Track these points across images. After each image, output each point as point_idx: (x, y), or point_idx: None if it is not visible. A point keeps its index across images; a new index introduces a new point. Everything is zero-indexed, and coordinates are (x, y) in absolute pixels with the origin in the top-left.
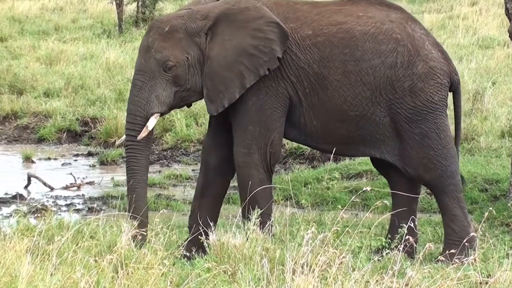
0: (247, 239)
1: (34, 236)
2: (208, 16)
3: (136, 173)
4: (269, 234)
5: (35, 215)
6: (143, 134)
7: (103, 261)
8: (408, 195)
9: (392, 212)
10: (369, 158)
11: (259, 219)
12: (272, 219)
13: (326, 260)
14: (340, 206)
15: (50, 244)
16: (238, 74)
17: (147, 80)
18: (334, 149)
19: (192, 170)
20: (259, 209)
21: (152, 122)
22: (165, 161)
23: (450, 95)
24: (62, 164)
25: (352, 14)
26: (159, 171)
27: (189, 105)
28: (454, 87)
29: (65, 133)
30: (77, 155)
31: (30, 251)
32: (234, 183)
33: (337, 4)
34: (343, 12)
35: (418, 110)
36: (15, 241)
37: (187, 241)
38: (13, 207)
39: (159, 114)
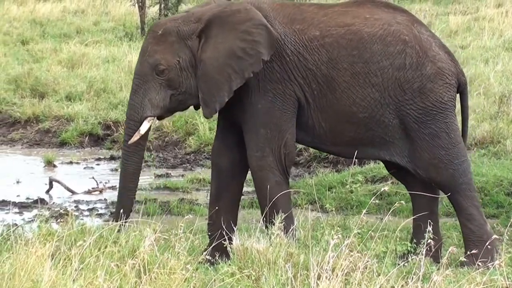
0: (271, 244)
1: (56, 241)
2: (201, 19)
3: (123, 180)
4: (293, 238)
5: (57, 220)
6: (135, 138)
7: (126, 266)
8: (427, 194)
9: (414, 216)
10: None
11: (282, 223)
12: (296, 222)
13: (351, 265)
14: (364, 210)
15: (72, 249)
16: (227, 77)
17: (141, 83)
18: (342, 151)
19: None
20: (281, 213)
21: (144, 126)
22: (188, 165)
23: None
24: (84, 168)
25: (359, 16)
26: (182, 175)
27: (196, 107)
28: (461, 88)
29: (87, 137)
30: (99, 159)
31: (52, 256)
32: None
33: (343, 6)
34: (350, 13)
35: (428, 110)
36: (37, 246)
37: (210, 246)
38: (35, 211)
39: (152, 118)
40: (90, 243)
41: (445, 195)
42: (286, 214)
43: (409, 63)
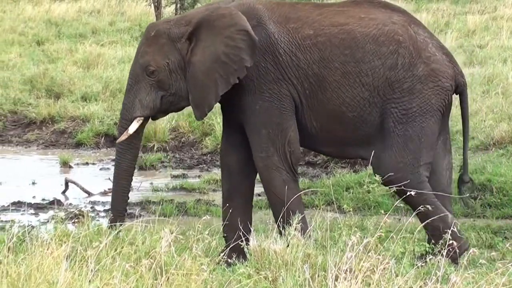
0: (288, 245)
1: (72, 242)
2: (190, 21)
3: (116, 177)
4: (308, 236)
5: (73, 221)
6: (123, 137)
7: (142, 267)
8: (439, 193)
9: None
10: None
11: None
12: (307, 221)
13: (369, 266)
14: (382, 211)
15: (88, 250)
16: (213, 81)
17: (133, 84)
18: (333, 151)
19: None
20: (293, 212)
21: (133, 126)
22: (204, 165)
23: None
24: (100, 169)
25: (354, 16)
26: (199, 176)
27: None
28: (460, 89)
29: (103, 138)
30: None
31: (67, 257)
32: None
33: (340, 5)
34: (345, 13)
35: (411, 112)
36: (52, 247)
37: (228, 248)
38: (51, 212)
39: (142, 118)
40: (106, 244)
41: (460, 196)
42: (299, 212)
43: (401, 63)
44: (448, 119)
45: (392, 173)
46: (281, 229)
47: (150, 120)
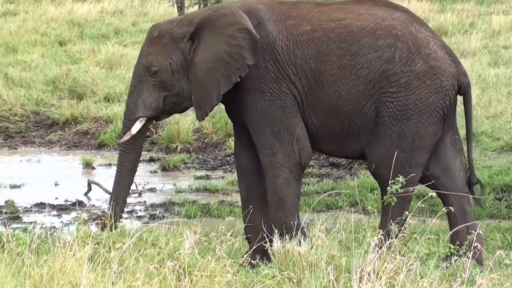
0: (312, 246)
1: (94, 244)
2: (192, 21)
3: (118, 177)
4: (293, 235)
5: (96, 222)
6: (125, 138)
7: (165, 269)
8: (456, 193)
9: (454, 227)
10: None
11: (281, 217)
12: (301, 223)
13: (394, 268)
14: (406, 212)
15: (111, 251)
16: (215, 81)
17: (136, 84)
18: (332, 149)
19: None
20: (287, 210)
21: (136, 127)
22: (228, 166)
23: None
24: None
25: (353, 12)
26: (222, 177)
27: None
28: (463, 89)
29: None
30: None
31: (90, 259)
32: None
33: (342, 3)
34: (345, 9)
35: (407, 108)
36: (75, 249)
37: (251, 249)
38: (73, 214)
39: (144, 118)
40: (129, 245)
41: (483, 197)
42: (289, 209)
43: (398, 57)
44: (454, 119)
45: (381, 166)
46: (273, 227)
47: (154, 121)
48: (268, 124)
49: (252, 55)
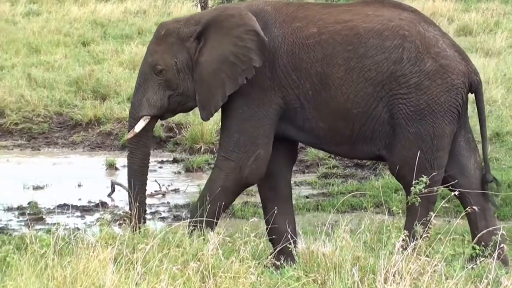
0: (337, 247)
1: (118, 245)
2: (199, 21)
3: (129, 178)
4: (201, 238)
5: (119, 223)
6: (129, 136)
7: (189, 270)
8: (473, 191)
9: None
10: None
11: (198, 214)
12: (215, 229)
13: (418, 269)
14: (431, 213)
15: (134, 252)
16: (221, 82)
17: (142, 82)
18: (343, 151)
19: None
20: (205, 214)
21: (139, 125)
22: None
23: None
24: None
25: (360, 13)
26: None
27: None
28: (474, 87)
29: None
30: (162, 162)
31: (114, 260)
32: (321, 189)
33: (349, 4)
34: (352, 11)
35: (420, 108)
36: (99, 250)
37: (275, 250)
38: (97, 215)
39: (148, 117)
40: (153, 246)
41: (498, 193)
42: (209, 221)
43: (407, 58)
44: (467, 118)
45: (403, 168)
46: (189, 223)
47: (159, 120)
48: (239, 131)
49: (259, 57)
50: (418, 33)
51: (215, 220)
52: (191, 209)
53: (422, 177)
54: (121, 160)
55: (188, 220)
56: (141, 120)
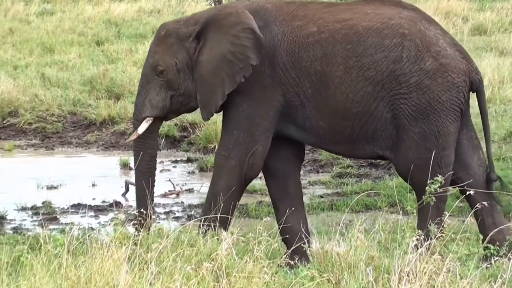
0: (351, 247)
1: (132, 245)
2: (198, 21)
3: (136, 180)
4: (215, 238)
5: (133, 223)
6: (132, 137)
7: (203, 270)
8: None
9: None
10: None
11: (212, 222)
12: (229, 229)
13: (433, 268)
14: (446, 212)
15: (148, 252)
16: (220, 80)
17: (144, 84)
18: (343, 150)
19: None
20: (217, 216)
21: (142, 126)
22: None
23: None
24: (161, 171)
25: (360, 12)
26: (260, 178)
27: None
28: (475, 86)
29: (163, 139)
30: (175, 161)
31: (128, 260)
32: (335, 189)
33: (350, 3)
34: (352, 10)
35: (422, 108)
36: (113, 250)
37: (290, 250)
38: (111, 215)
39: (151, 118)
40: (167, 246)
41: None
42: (222, 220)
43: (406, 56)
44: (469, 116)
45: (409, 169)
46: (201, 226)
47: (164, 121)
48: (238, 128)
49: (256, 55)
50: (418, 32)
51: (229, 217)
52: (203, 213)
53: (434, 176)
54: None
55: (200, 222)
56: (144, 122)
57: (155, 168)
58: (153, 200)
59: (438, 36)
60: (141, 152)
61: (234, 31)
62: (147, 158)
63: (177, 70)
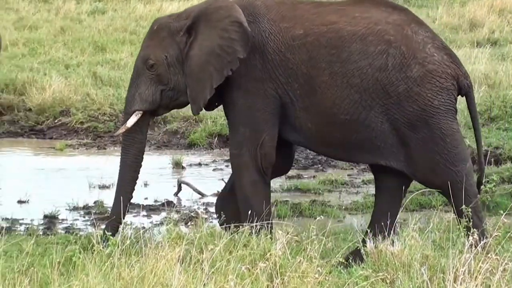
0: (406, 246)
1: (185, 245)
2: (189, 15)
3: (120, 173)
4: (268, 237)
5: (186, 223)
6: (120, 131)
7: (257, 269)
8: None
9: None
10: None
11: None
12: (272, 222)
13: (489, 268)
14: (501, 211)
15: (202, 253)
16: (209, 74)
17: (135, 77)
18: (333, 153)
19: (348, 175)
20: (253, 211)
21: (131, 120)
22: (319, 166)
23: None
24: (213, 170)
25: (348, 15)
26: (314, 176)
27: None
28: (464, 91)
29: (216, 138)
30: (228, 160)
31: (181, 260)
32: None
33: (340, 4)
34: (340, 12)
35: (418, 115)
36: (166, 250)
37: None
38: (163, 214)
39: (140, 112)
40: (220, 246)
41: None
42: (260, 214)
43: (392, 64)
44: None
45: (427, 174)
46: (242, 227)
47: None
48: (242, 123)
49: (243, 48)
50: (404, 38)
51: (267, 211)
52: (242, 218)
53: (448, 176)
54: (188, 159)
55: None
56: (133, 115)
57: (141, 164)
58: (132, 196)
59: (427, 40)
60: (130, 147)
61: (223, 25)
62: (135, 152)
63: (168, 64)
